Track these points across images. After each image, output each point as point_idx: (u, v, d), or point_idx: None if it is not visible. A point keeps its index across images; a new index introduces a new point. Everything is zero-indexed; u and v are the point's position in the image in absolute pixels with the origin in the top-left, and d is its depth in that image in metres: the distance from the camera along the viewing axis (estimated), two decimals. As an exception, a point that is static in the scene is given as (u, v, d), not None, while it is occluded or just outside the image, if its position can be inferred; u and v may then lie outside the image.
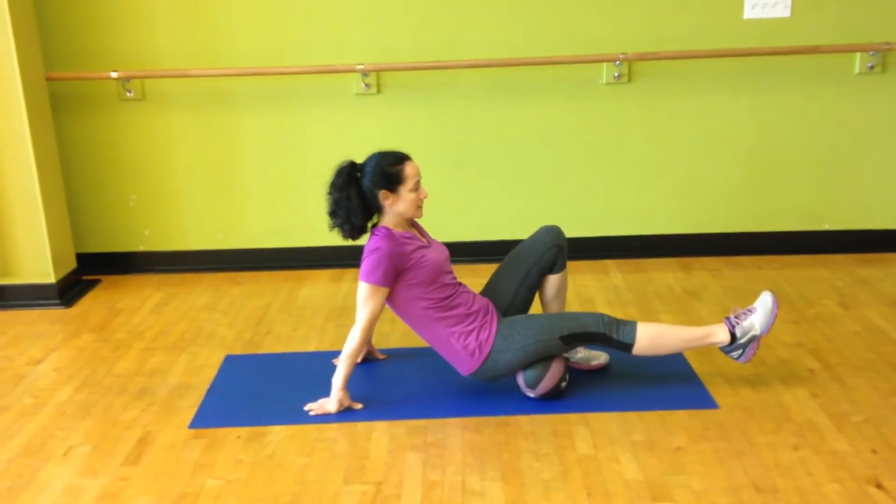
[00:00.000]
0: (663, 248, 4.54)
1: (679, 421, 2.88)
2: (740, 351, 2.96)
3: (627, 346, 2.95)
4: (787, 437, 2.76)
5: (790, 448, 2.70)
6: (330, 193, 2.99)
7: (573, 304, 3.93)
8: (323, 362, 3.21)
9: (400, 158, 2.98)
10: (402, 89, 4.33)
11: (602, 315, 2.98)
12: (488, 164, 4.44)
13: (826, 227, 4.50)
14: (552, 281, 3.21)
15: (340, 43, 4.27)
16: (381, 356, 3.45)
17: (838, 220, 4.49)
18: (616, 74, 4.27)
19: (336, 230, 3.02)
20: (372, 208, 2.99)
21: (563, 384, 3.01)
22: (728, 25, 4.21)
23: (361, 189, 2.96)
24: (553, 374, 2.97)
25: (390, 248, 2.91)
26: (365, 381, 3.25)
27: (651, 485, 2.54)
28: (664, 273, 4.31)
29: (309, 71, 4.24)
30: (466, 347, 2.97)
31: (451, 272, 3.08)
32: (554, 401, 3.02)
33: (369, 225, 3.03)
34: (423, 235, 3.13)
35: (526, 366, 2.99)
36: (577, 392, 3.09)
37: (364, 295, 2.93)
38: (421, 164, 4.37)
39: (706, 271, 4.31)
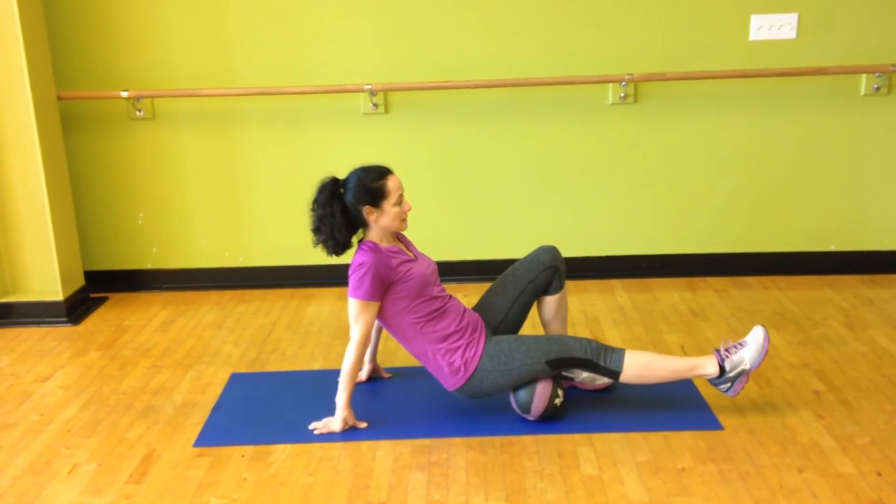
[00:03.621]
0: (670, 267, 4.54)
1: (684, 442, 2.87)
2: (729, 384, 2.93)
3: (614, 374, 2.94)
4: (792, 458, 2.75)
5: (795, 470, 2.69)
6: (313, 210, 3.00)
7: (579, 324, 3.93)
8: (329, 381, 3.22)
9: (382, 173, 2.97)
10: (409, 109, 4.36)
11: (590, 341, 2.96)
12: (495, 184, 4.46)
13: (832, 247, 4.49)
14: (549, 302, 3.21)
15: (348, 63, 4.30)
16: (386, 375, 3.45)
17: (845, 240, 4.49)
18: (622, 95, 4.29)
19: (320, 246, 3.03)
20: (356, 224, 3.00)
21: (557, 401, 2.99)
22: (734, 47, 4.23)
23: (344, 205, 2.96)
24: (542, 395, 2.96)
25: (376, 262, 2.91)
26: (370, 400, 3.25)
27: (655, 506, 2.53)
28: (670, 293, 4.31)
29: (317, 91, 4.27)
30: (451, 364, 2.97)
31: (439, 285, 3.09)
32: (557, 421, 3.02)
33: (354, 240, 3.04)
34: (409, 249, 3.13)
35: (512, 388, 2.99)
36: (581, 412, 3.09)
37: (355, 311, 2.94)
38: (428, 183, 4.46)
39: (712, 291, 4.31)
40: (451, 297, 3.09)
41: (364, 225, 3.00)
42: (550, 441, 2.90)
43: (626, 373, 2.93)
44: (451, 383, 3.01)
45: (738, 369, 2.91)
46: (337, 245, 3.00)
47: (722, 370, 2.92)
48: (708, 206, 4.47)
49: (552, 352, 2.93)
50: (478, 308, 3.20)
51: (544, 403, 2.96)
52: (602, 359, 2.93)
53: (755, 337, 2.94)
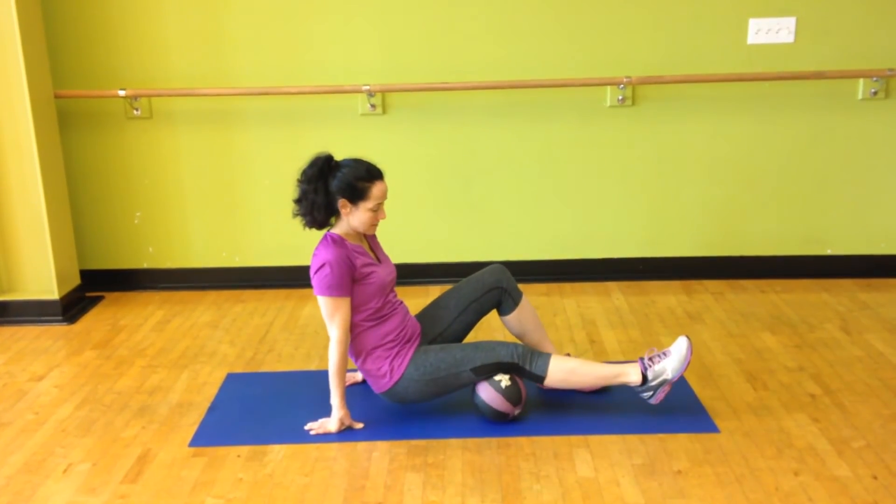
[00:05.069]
0: (666, 270, 4.54)
1: (680, 444, 2.87)
2: (651, 392, 2.97)
3: (539, 378, 2.97)
4: (788, 462, 2.75)
5: (791, 473, 2.69)
6: (299, 180, 2.99)
7: (576, 327, 3.93)
8: (324, 381, 3.21)
9: (372, 175, 2.95)
10: (407, 110, 4.36)
11: (517, 346, 2.99)
12: (492, 186, 4.46)
13: (829, 251, 4.50)
14: (509, 321, 3.25)
15: (346, 64, 4.30)
16: (382, 376, 3.45)
17: (841, 244, 4.49)
18: (620, 97, 4.29)
19: (298, 218, 3.03)
20: (333, 208, 2.99)
21: (504, 384, 2.95)
22: (732, 50, 4.23)
23: (328, 187, 2.95)
24: (487, 394, 2.96)
25: (338, 256, 2.90)
26: (366, 400, 3.25)
27: (651, 508, 2.53)
28: (667, 295, 4.32)
29: (315, 91, 4.27)
30: (379, 370, 3.00)
31: (393, 292, 3.11)
32: (554, 423, 3.02)
33: (332, 221, 3.03)
34: (373, 250, 3.12)
35: (439, 395, 3.03)
36: (577, 414, 3.09)
37: (328, 309, 2.93)
38: (425, 184, 4.46)
39: (709, 294, 4.31)
40: (400, 303, 3.12)
41: (337, 213, 3.00)
42: (546, 443, 2.90)
43: (550, 377, 2.97)
44: (377, 387, 3.06)
45: (661, 378, 2.95)
46: (313, 222, 3.00)
47: (644, 378, 2.95)
48: (705, 208, 4.47)
49: (477, 359, 2.96)
50: (421, 316, 3.22)
51: (499, 395, 2.96)
52: (528, 363, 2.96)
53: (678, 347, 2.97)
